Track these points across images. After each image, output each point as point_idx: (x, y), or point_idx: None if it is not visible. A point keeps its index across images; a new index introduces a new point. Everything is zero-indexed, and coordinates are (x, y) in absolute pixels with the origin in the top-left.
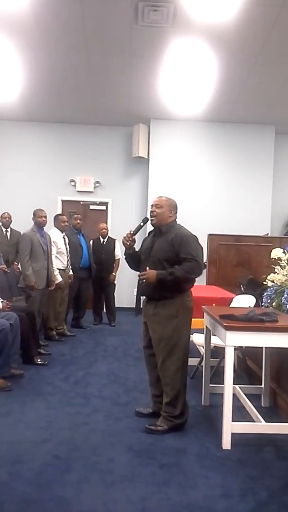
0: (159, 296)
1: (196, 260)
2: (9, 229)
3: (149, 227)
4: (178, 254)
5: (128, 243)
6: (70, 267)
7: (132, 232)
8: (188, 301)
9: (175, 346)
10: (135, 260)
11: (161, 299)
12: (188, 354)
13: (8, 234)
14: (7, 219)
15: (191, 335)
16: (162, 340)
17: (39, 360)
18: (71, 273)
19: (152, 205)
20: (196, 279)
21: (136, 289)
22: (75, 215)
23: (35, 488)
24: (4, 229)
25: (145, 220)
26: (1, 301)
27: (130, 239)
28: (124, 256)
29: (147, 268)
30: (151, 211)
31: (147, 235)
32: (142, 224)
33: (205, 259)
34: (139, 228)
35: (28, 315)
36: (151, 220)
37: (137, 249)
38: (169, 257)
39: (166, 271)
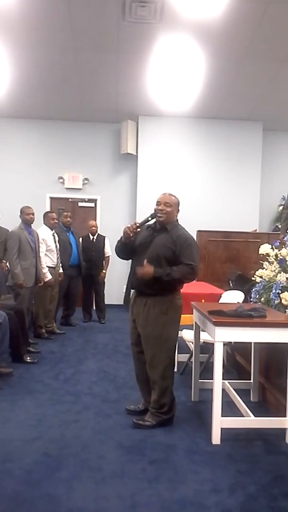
0: (150, 292)
1: (195, 267)
2: None
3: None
4: (178, 255)
5: (130, 234)
6: (60, 265)
7: (137, 225)
8: (177, 299)
9: (164, 344)
10: (127, 249)
11: (152, 295)
12: (175, 351)
13: None
14: None
15: (180, 332)
16: (151, 337)
17: (28, 358)
18: (61, 271)
19: (159, 202)
20: None
21: (126, 285)
22: (65, 213)
23: (25, 486)
24: None
25: (153, 215)
26: None
27: (135, 231)
28: (117, 243)
29: (145, 262)
30: (160, 209)
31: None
32: (150, 218)
33: None
34: (146, 221)
35: (17, 313)
36: (158, 217)
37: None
38: (169, 255)
39: (163, 270)
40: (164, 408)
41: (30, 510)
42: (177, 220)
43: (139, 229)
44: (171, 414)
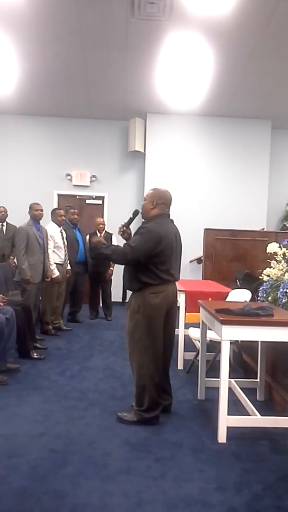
0: (127, 286)
1: (132, 249)
2: (5, 223)
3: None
4: None
5: (121, 233)
6: (68, 261)
7: (124, 224)
8: (152, 297)
9: (137, 343)
10: None
11: (131, 290)
12: (157, 352)
13: (4, 228)
14: (3, 213)
15: (186, 330)
16: (128, 334)
17: (35, 354)
18: (69, 267)
19: None
20: (193, 273)
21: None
22: (72, 210)
23: (31, 481)
24: (0, 223)
25: (135, 213)
26: None
27: (122, 230)
28: None
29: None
30: (142, 205)
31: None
32: (132, 216)
33: (201, 254)
34: (130, 220)
35: (24, 309)
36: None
37: None
38: None
39: (107, 246)
40: (143, 406)
41: (36, 505)
42: (162, 215)
43: (125, 228)
44: (152, 414)
